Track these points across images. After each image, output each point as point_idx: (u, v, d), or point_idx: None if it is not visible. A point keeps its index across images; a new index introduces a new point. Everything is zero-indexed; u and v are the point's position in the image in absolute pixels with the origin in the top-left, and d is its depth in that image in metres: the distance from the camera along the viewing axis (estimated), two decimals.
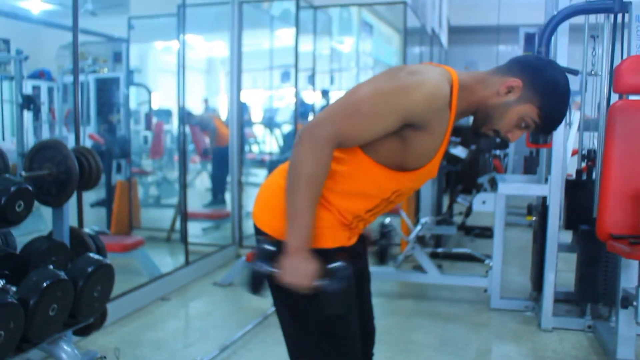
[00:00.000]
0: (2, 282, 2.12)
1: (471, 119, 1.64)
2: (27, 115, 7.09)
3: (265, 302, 3.75)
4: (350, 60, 7.81)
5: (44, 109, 8.53)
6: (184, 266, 4.39)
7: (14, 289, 2.09)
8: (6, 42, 8.83)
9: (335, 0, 5.23)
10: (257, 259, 1.50)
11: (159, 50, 8.16)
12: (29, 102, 7.03)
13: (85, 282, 2.23)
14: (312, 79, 6.09)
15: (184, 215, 5.24)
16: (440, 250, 5.00)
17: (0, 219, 2.24)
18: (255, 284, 1.51)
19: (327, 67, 7.16)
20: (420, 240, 4.52)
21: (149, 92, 7.10)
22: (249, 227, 5.54)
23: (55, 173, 2.60)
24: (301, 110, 6.70)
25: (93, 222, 5.61)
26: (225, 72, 7.08)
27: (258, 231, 1.66)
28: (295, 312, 1.63)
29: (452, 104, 1.54)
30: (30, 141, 6.60)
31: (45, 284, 2.04)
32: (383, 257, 2.00)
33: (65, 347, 2.22)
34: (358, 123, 1.49)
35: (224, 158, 7.00)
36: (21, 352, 2.07)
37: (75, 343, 3.04)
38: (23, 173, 2.61)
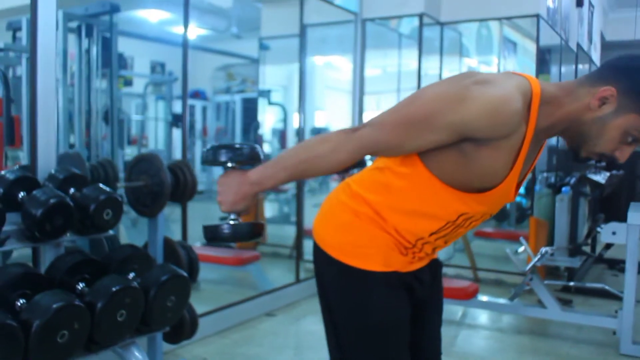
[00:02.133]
0: (81, 285, 2.22)
1: None
2: (176, 132, 7.62)
3: None
4: None
5: (198, 126, 9.16)
6: (294, 283, 4.40)
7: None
8: (162, 65, 9.59)
9: (465, 15, 4.99)
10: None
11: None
12: (177, 120, 7.57)
13: (157, 291, 2.28)
14: None
15: (299, 232, 5.29)
16: (572, 283, 4.55)
17: (89, 226, 2.38)
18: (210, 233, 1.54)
19: None
20: (550, 271, 4.16)
21: (284, 111, 7.32)
22: None
23: (150, 185, 2.73)
24: None
25: None
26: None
27: (316, 247, 1.61)
28: (336, 323, 1.58)
29: (530, 119, 1.35)
30: (177, 154, 7.10)
31: (113, 290, 2.11)
32: None
33: (136, 352, 2.29)
34: (408, 132, 1.36)
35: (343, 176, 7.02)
36: (90, 353, 2.15)
37: (171, 352, 3.16)
38: (120, 184, 2.77)
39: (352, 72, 4.91)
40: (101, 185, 2.47)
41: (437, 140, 1.35)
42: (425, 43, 4.94)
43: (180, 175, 2.83)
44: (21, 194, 2.28)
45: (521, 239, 4.04)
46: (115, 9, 4.69)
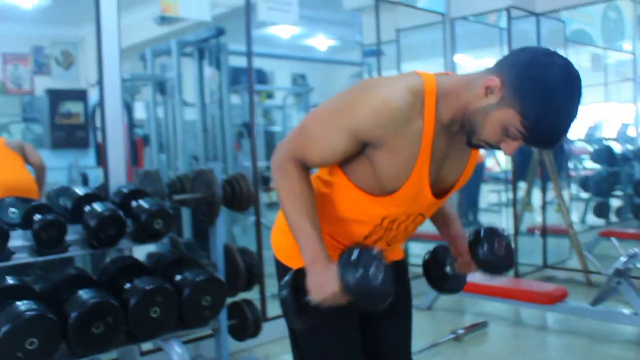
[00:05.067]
0: (128, 285, 2.57)
1: None
2: None
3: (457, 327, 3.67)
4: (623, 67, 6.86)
5: None
6: None
7: None
8: (302, 76, 10.09)
9: (566, 1, 4.70)
10: (280, 290, 1.46)
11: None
12: None
13: (191, 292, 2.56)
14: None
15: None
16: None
17: (142, 234, 2.74)
18: (290, 313, 1.44)
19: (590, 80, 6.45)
20: None
21: None
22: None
23: (206, 196, 3.04)
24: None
25: None
26: None
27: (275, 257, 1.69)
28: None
29: (426, 114, 1.36)
30: None
31: (146, 289, 2.42)
32: (434, 282, 1.80)
33: (175, 346, 2.58)
34: (310, 144, 1.44)
35: (473, 178, 6.85)
36: (132, 343, 2.49)
37: (248, 350, 3.44)
38: (176, 196, 3.11)
39: (444, 69, 4.86)
40: (153, 198, 2.82)
41: (340, 148, 1.41)
42: (524, 36, 4.78)
43: (237, 187, 3.10)
44: (87, 208, 2.67)
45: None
46: (220, 32, 5.13)
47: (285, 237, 1.64)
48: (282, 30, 8.19)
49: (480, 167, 6.89)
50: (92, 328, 2.27)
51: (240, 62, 7.55)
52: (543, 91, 1.23)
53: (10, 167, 3.76)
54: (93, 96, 5.63)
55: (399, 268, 1.73)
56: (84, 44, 7.64)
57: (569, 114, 1.26)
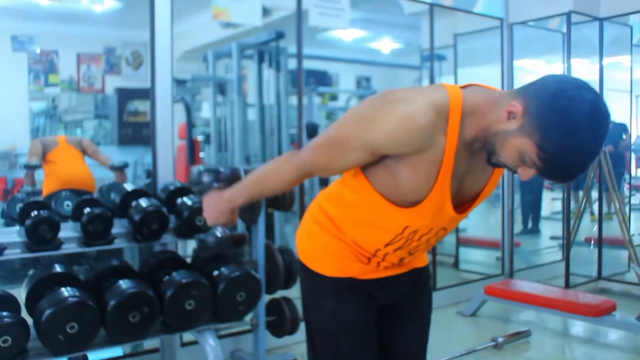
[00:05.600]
0: (166, 278, 2.70)
1: None
2: None
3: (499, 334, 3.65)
4: None
5: None
6: None
7: None
8: (367, 79, 10.14)
9: (633, 6, 4.53)
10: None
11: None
12: None
13: (226, 286, 2.65)
14: None
15: (457, 240, 5.33)
16: None
17: (184, 230, 2.86)
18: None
19: None
20: None
21: None
22: (517, 260, 5.25)
23: None
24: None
25: None
26: None
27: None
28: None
29: (449, 132, 1.35)
30: None
31: (182, 282, 2.54)
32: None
33: (209, 338, 2.68)
34: (330, 153, 1.47)
35: (532, 185, 6.69)
36: (167, 333, 2.62)
37: (286, 347, 3.52)
38: None
39: (501, 79, 4.80)
40: (195, 195, 2.93)
41: (359, 158, 1.44)
42: (587, 42, 4.65)
43: None
44: (133, 203, 2.81)
45: None
46: (280, 36, 5.24)
47: (309, 240, 1.71)
48: (346, 34, 8.27)
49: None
50: (129, 316, 2.40)
51: (304, 64, 7.64)
52: (564, 127, 1.18)
53: (71, 162, 4.00)
54: None
55: (420, 275, 1.75)
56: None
57: (589, 153, 1.21)
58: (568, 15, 4.37)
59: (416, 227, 1.51)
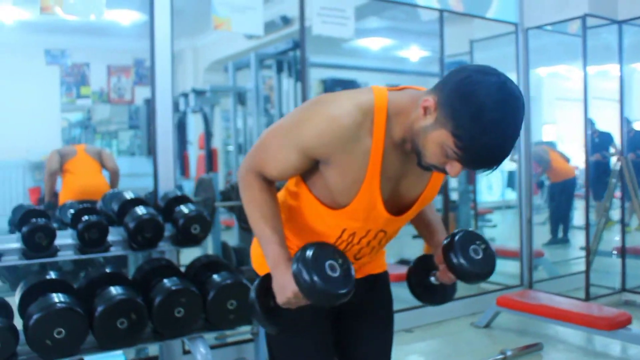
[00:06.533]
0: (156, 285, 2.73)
1: None
2: None
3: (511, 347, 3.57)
4: None
5: None
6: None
7: None
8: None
9: None
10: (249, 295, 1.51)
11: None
12: None
13: (215, 294, 2.67)
14: None
15: None
16: None
17: (180, 238, 2.90)
18: (258, 317, 1.47)
19: None
20: None
21: None
22: (540, 271, 5.13)
23: None
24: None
25: (414, 252, 6.03)
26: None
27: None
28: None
29: (375, 132, 1.36)
30: None
31: (171, 289, 2.57)
32: (415, 292, 1.72)
33: (200, 346, 2.70)
34: (267, 158, 1.48)
35: (562, 194, 6.54)
36: (158, 340, 2.65)
37: None
38: (217, 203, 3.24)
39: (516, 83, 4.68)
40: (195, 204, 2.98)
41: (294, 161, 1.43)
42: (606, 46, 4.52)
43: None
44: (130, 211, 2.86)
45: None
46: (297, 45, 5.27)
47: (257, 246, 1.71)
48: (372, 42, 8.26)
49: (572, 183, 6.56)
50: (117, 323, 2.44)
51: (331, 73, 7.71)
52: (472, 110, 1.20)
53: (87, 172, 4.10)
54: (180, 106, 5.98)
55: (376, 281, 1.74)
56: (181, 56, 8.12)
57: (503, 135, 1.21)
58: (583, 18, 4.27)
59: (352, 229, 1.51)
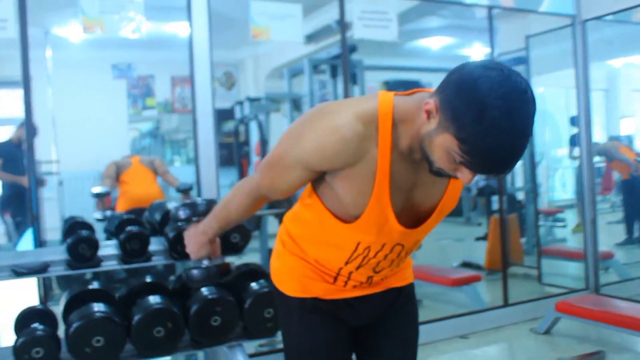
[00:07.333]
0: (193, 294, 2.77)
1: None
2: None
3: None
4: None
5: None
6: (501, 307, 4.24)
7: None
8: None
9: None
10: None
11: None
12: None
13: (252, 303, 2.68)
14: None
15: (539, 251, 5.06)
16: None
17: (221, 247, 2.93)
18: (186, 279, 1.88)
19: None
20: None
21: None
22: (611, 273, 4.86)
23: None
24: None
25: (476, 254, 5.88)
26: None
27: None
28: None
29: (380, 141, 1.30)
30: None
31: (207, 298, 2.60)
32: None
33: (239, 354, 2.72)
34: (271, 174, 1.48)
35: (635, 191, 6.18)
36: (196, 348, 2.68)
37: None
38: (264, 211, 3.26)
39: (575, 78, 4.47)
40: None
41: (300, 176, 1.41)
42: None
43: None
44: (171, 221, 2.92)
45: None
46: (352, 49, 5.24)
47: (276, 259, 1.70)
48: (432, 42, 8.11)
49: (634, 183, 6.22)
50: (154, 331, 2.50)
51: (393, 75, 7.64)
52: (474, 109, 1.10)
53: (142, 182, 4.24)
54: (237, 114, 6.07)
55: (399, 295, 1.68)
56: (243, 65, 8.25)
57: (511, 133, 1.10)
58: None
59: (367, 243, 1.45)
